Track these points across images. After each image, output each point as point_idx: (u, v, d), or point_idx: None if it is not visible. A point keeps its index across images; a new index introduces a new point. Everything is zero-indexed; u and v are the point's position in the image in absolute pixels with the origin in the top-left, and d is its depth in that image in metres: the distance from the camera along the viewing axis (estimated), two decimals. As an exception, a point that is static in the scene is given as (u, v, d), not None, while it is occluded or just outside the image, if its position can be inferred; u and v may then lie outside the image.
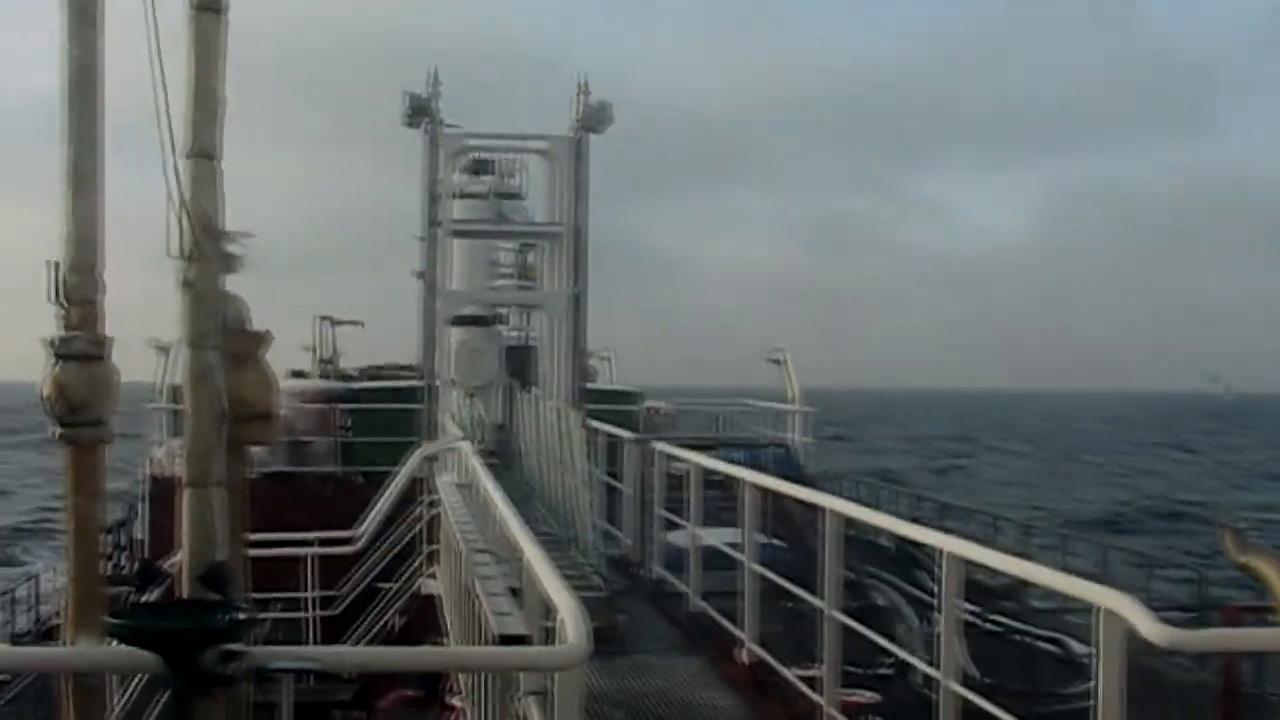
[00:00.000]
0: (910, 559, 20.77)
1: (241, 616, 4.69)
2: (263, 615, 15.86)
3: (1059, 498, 70.86)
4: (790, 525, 17.76)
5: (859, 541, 21.25)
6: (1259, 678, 13.44)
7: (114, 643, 4.67)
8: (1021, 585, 17.59)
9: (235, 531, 5.50)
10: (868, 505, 21.81)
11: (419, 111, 25.86)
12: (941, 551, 7.56)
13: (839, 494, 25.49)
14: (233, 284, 5.60)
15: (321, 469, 28.94)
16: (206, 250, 5.19)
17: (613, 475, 19.27)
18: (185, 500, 5.22)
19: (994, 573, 14.48)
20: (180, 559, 5.30)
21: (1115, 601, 5.76)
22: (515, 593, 7.40)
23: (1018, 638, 15.67)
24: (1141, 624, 5.48)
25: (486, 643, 6.88)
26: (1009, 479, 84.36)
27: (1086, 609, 6.11)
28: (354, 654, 5.94)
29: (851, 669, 12.54)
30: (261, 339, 5.85)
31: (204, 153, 5.23)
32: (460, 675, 9.89)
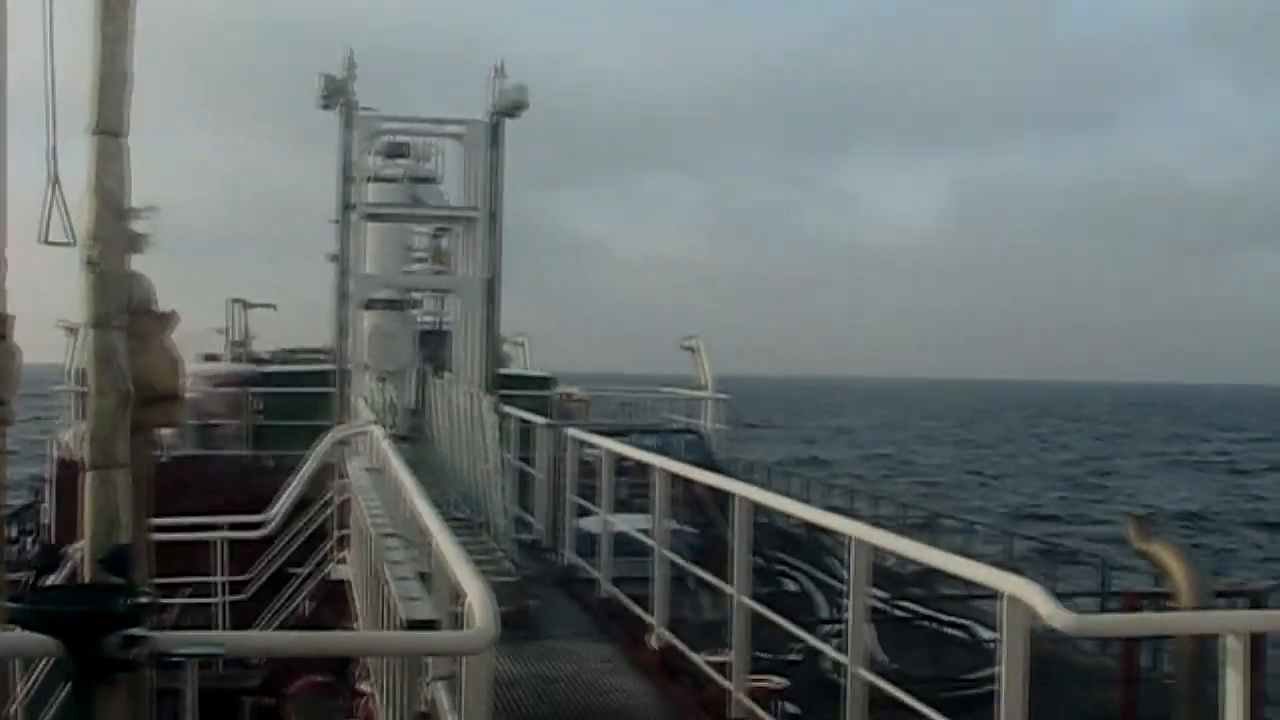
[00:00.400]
0: (822, 546, 20.90)
1: (144, 601, 4.63)
2: (169, 600, 15.69)
3: (979, 488, 71.68)
4: (703, 512, 17.83)
5: (771, 528, 21.37)
6: (1156, 661, 13.70)
7: (16, 628, 4.60)
8: (930, 572, 17.79)
9: (139, 515, 5.42)
10: (779, 492, 21.98)
11: (334, 93, 25.57)
12: (850, 538, 7.62)
13: (751, 480, 25.69)
14: (143, 264, 5.52)
15: (232, 452, 28.69)
16: (111, 229, 5.10)
17: (525, 460, 19.25)
18: (88, 483, 5.13)
19: (904, 560, 14.66)
20: (83, 543, 5.22)
21: (1019, 588, 5.84)
22: (424, 577, 7.37)
23: (926, 624, 15.82)
24: (1043, 609, 5.57)
25: (395, 628, 6.86)
26: (929, 467, 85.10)
27: (993, 595, 6.19)
28: (258, 639, 5.87)
29: (762, 655, 12.63)
30: (167, 320, 5.77)
31: (110, 130, 5.14)
32: (369, 660, 9.83)
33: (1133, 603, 10.94)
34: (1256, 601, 11.69)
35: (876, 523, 21.63)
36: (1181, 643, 9.71)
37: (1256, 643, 10.15)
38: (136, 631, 4.41)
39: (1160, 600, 10.50)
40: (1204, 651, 9.16)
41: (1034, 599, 5.65)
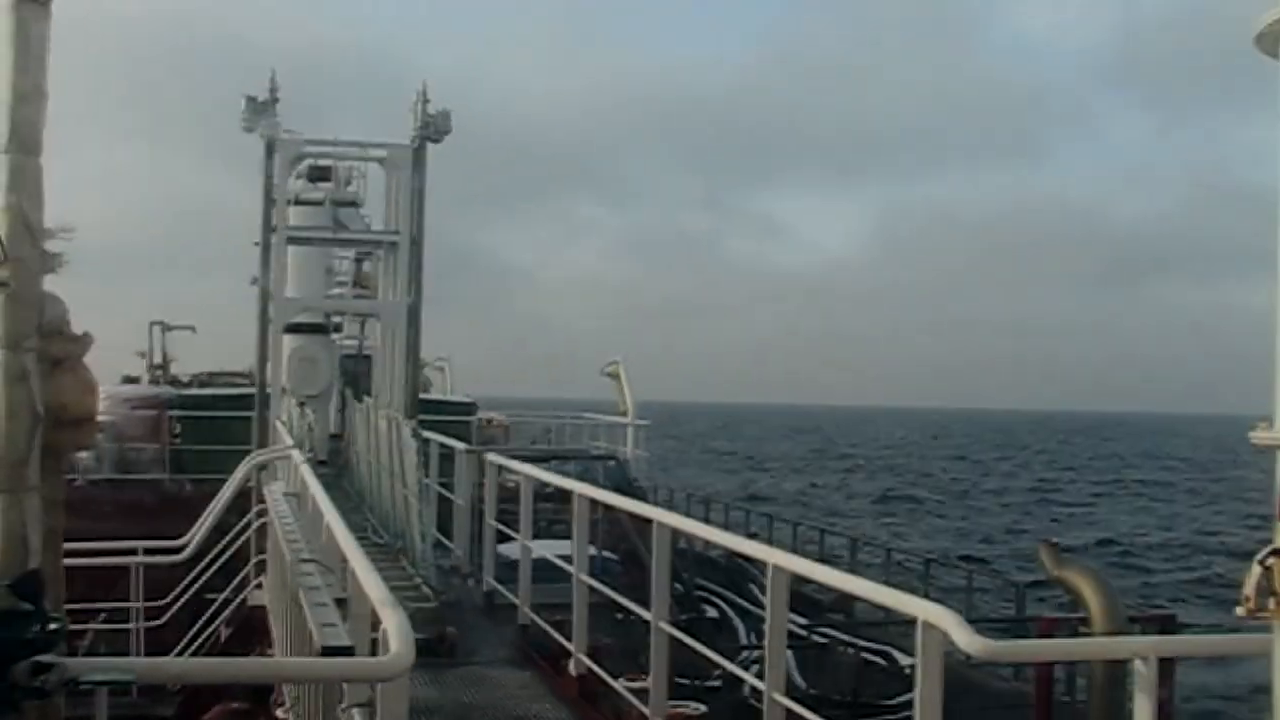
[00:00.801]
0: (742, 572, 20.93)
1: (54, 627, 4.56)
2: (82, 626, 15.48)
3: (901, 516, 72.09)
4: (624, 538, 17.82)
5: (693, 555, 21.38)
6: (1071, 686, 13.83)
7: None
8: (851, 598, 17.86)
9: (50, 539, 5.34)
10: (698, 519, 22.01)
11: (257, 116, 25.45)
12: (768, 565, 7.66)
13: (671, 507, 25.70)
14: (58, 285, 5.46)
15: (150, 476, 28.38)
16: (24, 250, 5.04)
17: (446, 486, 19.17)
18: (-2, 507, 5.06)
19: (824, 587, 14.72)
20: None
21: (934, 614, 5.90)
22: (342, 604, 7.32)
23: (846, 649, 15.87)
24: (957, 635, 5.63)
25: (312, 654, 6.79)
26: (854, 494, 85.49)
27: (911, 621, 6.24)
28: (171, 665, 5.80)
29: (683, 680, 12.64)
30: (81, 342, 5.70)
31: (24, 148, 5.08)
32: (286, 687, 9.74)
33: (1047, 629, 11.04)
34: (1166, 627, 11.83)
35: (796, 550, 21.81)
36: (1095, 667, 9.83)
37: (1166, 666, 10.33)
38: (46, 658, 4.35)
39: (1075, 625, 10.61)
40: (1116, 676, 9.28)
41: (948, 625, 5.71)
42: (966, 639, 5.57)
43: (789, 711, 7.48)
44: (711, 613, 19.10)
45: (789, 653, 15.03)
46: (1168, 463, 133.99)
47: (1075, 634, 10.34)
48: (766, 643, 7.72)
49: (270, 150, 25.43)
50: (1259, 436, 3.83)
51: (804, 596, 19.35)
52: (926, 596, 8.58)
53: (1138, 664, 5.52)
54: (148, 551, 17.38)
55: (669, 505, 27.35)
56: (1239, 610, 3.85)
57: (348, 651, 5.95)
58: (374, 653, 6.06)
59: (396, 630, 5.08)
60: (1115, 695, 9.34)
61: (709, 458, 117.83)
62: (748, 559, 16.90)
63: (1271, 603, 3.74)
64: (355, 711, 6.48)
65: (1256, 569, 3.79)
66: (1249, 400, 3.98)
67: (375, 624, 6.09)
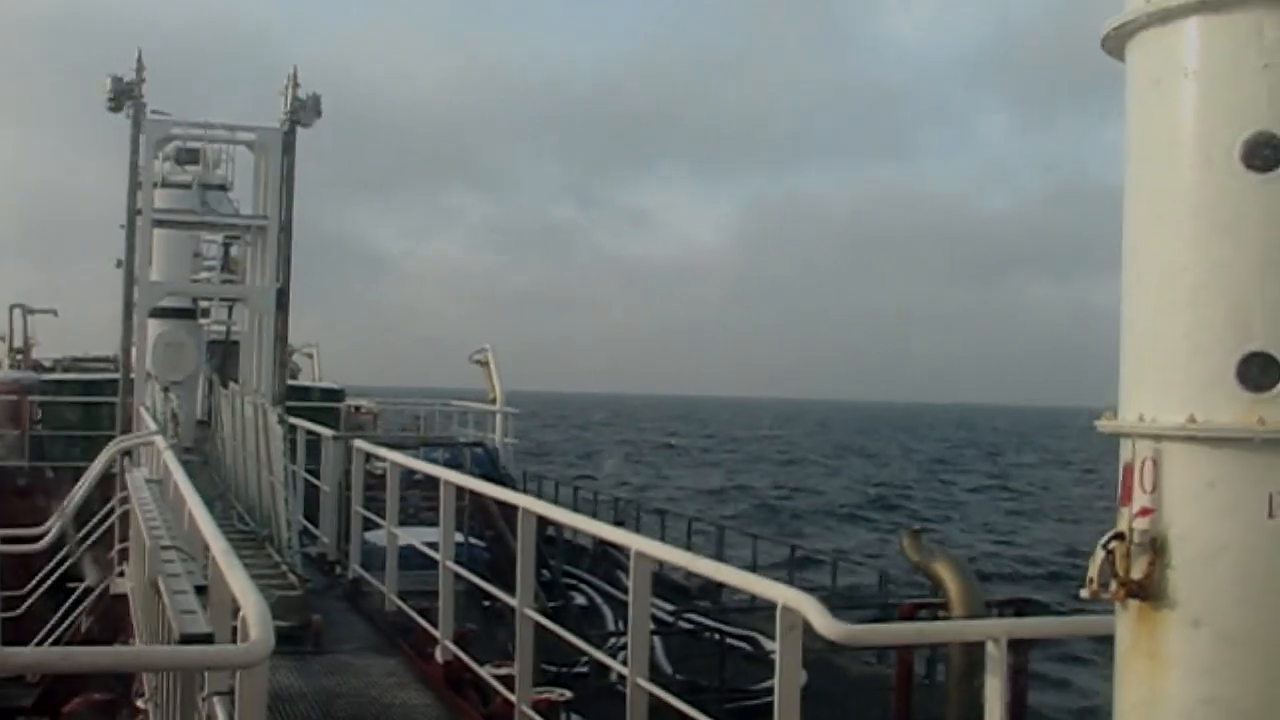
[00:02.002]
0: (612, 560, 21.05)
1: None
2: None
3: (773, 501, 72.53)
4: (492, 525, 17.81)
5: (562, 542, 21.45)
6: (932, 668, 14.13)
7: None
8: (718, 585, 18.04)
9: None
10: (565, 506, 22.05)
11: (123, 96, 24.94)
12: (631, 551, 7.72)
13: (539, 494, 25.71)
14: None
15: (10, 463, 27.77)
16: None
17: (314, 473, 19.01)
18: None
19: (692, 574, 14.85)
20: None
21: (793, 599, 5.99)
22: (202, 591, 7.24)
23: (713, 635, 16.04)
24: (815, 620, 5.72)
25: (171, 642, 6.71)
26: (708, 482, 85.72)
27: (774, 607, 6.33)
28: (21, 655, 5.66)
29: (550, 667, 12.68)
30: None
31: None
32: (146, 677, 9.60)
33: (908, 613, 11.26)
34: (1021, 611, 12.13)
35: (663, 537, 21.96)
36: (953, 650, 10.05)
37: (1021, 649, 10.58)
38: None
39: (935, 611, 10.84)
40: (974, 658, 9.49)
41: (807, 610, 5.80)
42: (825, 623, 5.66)
43: (653, 697, 7.55)
44: (580, 600, 19.19)
45: (656, 639, 15.22)
46: (1025, 455, 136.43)
47: (934, 619, 10.57)
48: (630, 629, 7.78)
49: (136, 131, 24.95)
50: (1105, 424, 3.95)
51: (673, 584, 19.52)
52: (791, 583, 8.70)
53: (989, 646, 5.65)
54: (4, 540, 17.00)
55: (538, 493, 27.41)
56: (1083, 592, 3.96)
57: (206, 639, 5.88)
58: (235, 640, 6.01)
59: (255, 617, 5.04)
60: (972, 677, 9.55)
61: (580, 445, 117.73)
62: (617, 546, 16.99)
63: (1114, 585, 3.84)
64: (216, 700, 6.42)
65: (1100, 553, 3.89)
66: (1101, 394, 4.10)
67: (236, 611, 6.04)
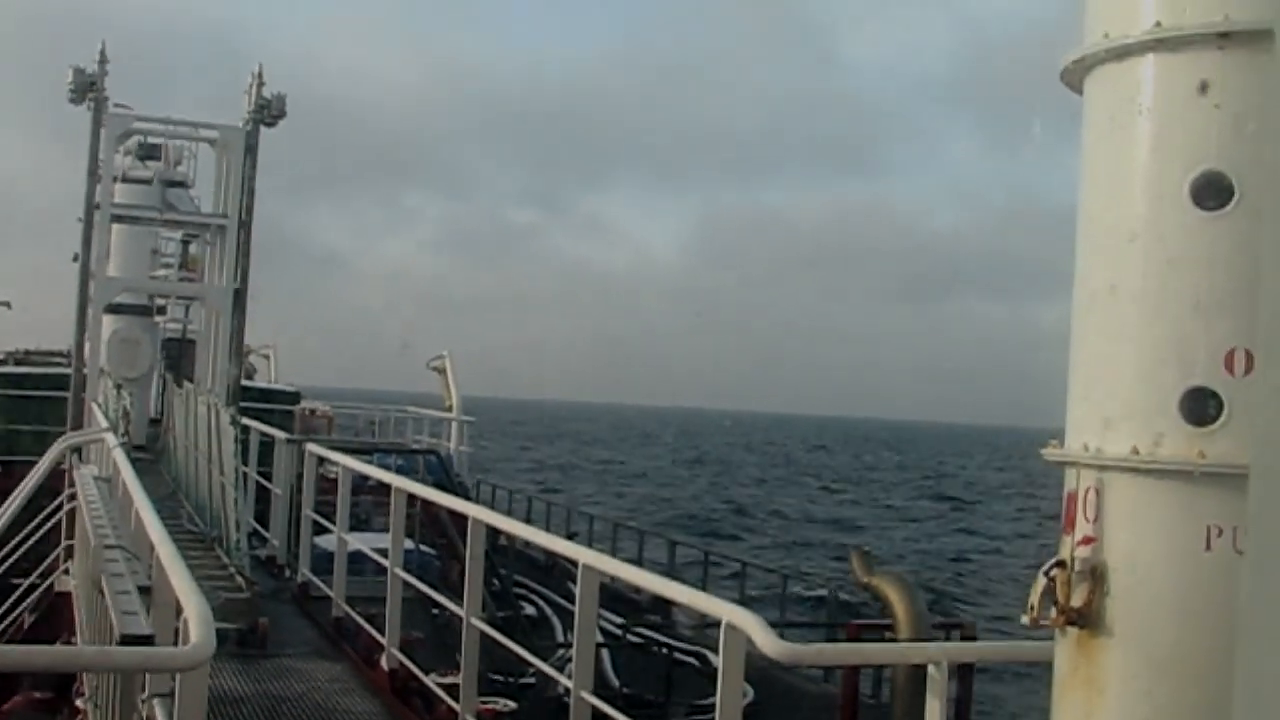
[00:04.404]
0: (564, 571, 21.01)
1: None
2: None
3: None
4: (444, 533, 17.76)
5: (515, 553, 21.41)
6: (878, 689, 14.17)
7: None
8: (668, 601, 18.03)
9: None
10: (518, 518, 22.01)
11: (84, 88, 24.80)
12: (579, 564, 7.72)
13: (491, 503, 25.66)
14: None
15: (-43, 457, 27.47)
16: None
17: (266, 476, 18.91)
18: None
19: (642, 589, 14.84)
20: None
21: (738, 617, 6.00)
22: (146, 592, 7.20)
23: (661, 650, 16.04)
24: (758, 638, 5.74)
25: (112, 642, 6.67)
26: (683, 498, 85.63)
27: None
28: (-42, 651, 5.65)
29: (497, 677, 12.65)
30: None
31: None
32: (86, 677, 9.53)
33: (854, 634, 11.29)
34: (968, 634, 12.18)
35: (615, 551, 21.95)
36: (898, 671, 10.08)
37: (965, 671, 10.63)
38: None
39: (882, 631, 10.87)
40: (919, 679, 9.53)
41: (750, 627, 5.82)
42: (767, 641, 5.69)
43: (597, 711, 7.54)
44: (530, 610, 19.14)
45: (605, 653, 15.20)
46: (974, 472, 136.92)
47: (881, 639, 10.60)
48: (575, 641, 7.78)
49: (97, 125, 24.81)
50: (1050, 453, 3.99)
51: (623, 597, 19.50)
52: (741, 601, 8.72)
53: (930, 668, 5.69)
54: (-53, 534, 16.83)
55: (490, 502, 27.35)
56: (1024, 619, 3.99)
57: (147, 640, 5.85)
58: (177, 643, 5.98)
59: (197, 620, 5.03)
60: (917, 699, 9.59)
61: (535, 453, 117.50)
62: (565, 557, 16.99)
63: (1054, 612, 3.88)
64: (156, 702, 6.38)
65: (1041, 579, 3.93)
66: (1053, 416, 4.14)
67: (180, 613, 6.01)
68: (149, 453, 24.87)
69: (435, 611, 12.89)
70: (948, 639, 11.43)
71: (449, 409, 33.67)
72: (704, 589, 12.28)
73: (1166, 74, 3.63)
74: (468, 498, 16.70)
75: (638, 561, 20.36)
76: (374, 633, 11.83)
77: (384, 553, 11.97)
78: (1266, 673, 1.38)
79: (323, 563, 14.96)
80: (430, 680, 10.34)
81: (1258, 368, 1.41)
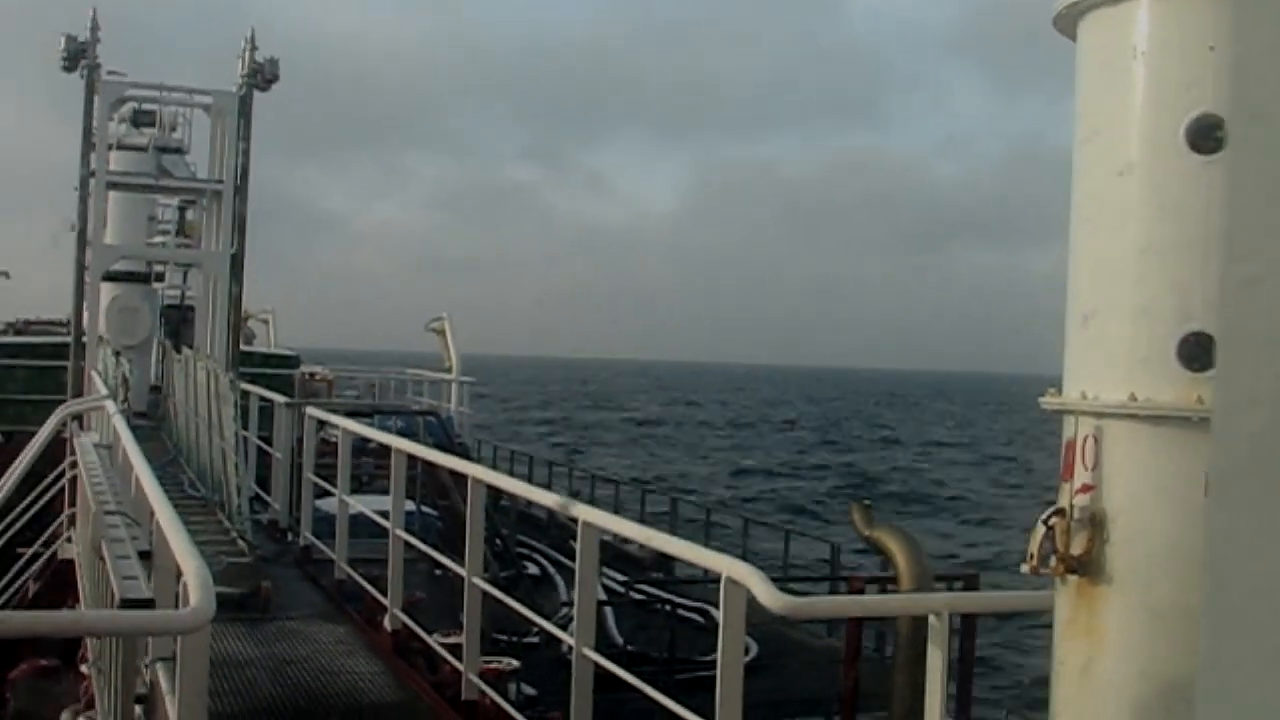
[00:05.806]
0: (566, 530, 21.07)
1: None
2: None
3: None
4: (445, 494, 17.79)
5: (516, 512, 21.45)
6: (881, 641, 14.23)
7: None
8: (671, 558, 18.08)
9: None
10: (519, 477, 22.02)
11: (77, 55, 24.64)
12: (578, 521, 7.72)
13: (493, 464, 25.68)
14: None
15: (-41, 427, 27.48)
16: None
17: (266, 440, 18.92)
18: None
19: (645, 546, 14.89)
20: None
21: (738, 571, 6.00)
22: (146, 556, 7.20)
23: (664, 607, 16.10)
24: (759, 592, 5.73)
25: (113, 607, 6.68)
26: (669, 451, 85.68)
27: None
28: (-39, 619, 5.66)
29: (501, 637, 12.69)
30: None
31: None
32: (90, 642, 9.55)
33: (857, 587, 11.32)
34: (970, 584, 12.21)
35: (618, 509, 21.98)
36: (901, 623, 10.11)
37: (968, 622, 10.66)
38: None
39: (884, 584, 10.89)
40: (922, 631, 9.56)
41: (750, 582, 5.82)
42: (768, 595, 5.68)
43: (600, 668, 7.56)
44: (533, 570, 19.20)
45: (608, 610, 15.26)
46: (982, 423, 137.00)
47: (884, 592, 10.63)
48: (576, 598, 7.79)
49: (90, 92, 24.66)
50: (1048, 401, 3.97)
51: (626, 555, 19.56)
52: (744, 556, 8.72)
53: (931, 619, 5.69)
54: (-51, 504, 16.85)
55: (491, 462, 27.37)
56: (1024, 568, 3.99)
57: (148, 604, 5.85)
58: (177, 607, 5.98)
59: (196, 582, 5.02)
60: (920, 650, 9.63)
61: (537, 412, 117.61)
62: (571, 517, 17.01)
63: (1053, 560, 3.87)
64: (159, 665, 6.39)
65: (1040, 528, 3.92)
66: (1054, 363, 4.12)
67: (180, 577, 6.00)
68: (149, 419, 24.87)
69: (437, 572, 12.90)
70: (950, 590, 11.46)
71: (448, 370, 33.67)
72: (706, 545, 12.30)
73: (1161, 17, 3.60)
74: (468, 458, 16.70)
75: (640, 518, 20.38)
76: (376, 594, 11.85)
77: (385, 515, 11.98)
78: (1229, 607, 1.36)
79: (324, 526, 14.97)
80: (433, 640, 10.36)
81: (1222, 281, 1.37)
